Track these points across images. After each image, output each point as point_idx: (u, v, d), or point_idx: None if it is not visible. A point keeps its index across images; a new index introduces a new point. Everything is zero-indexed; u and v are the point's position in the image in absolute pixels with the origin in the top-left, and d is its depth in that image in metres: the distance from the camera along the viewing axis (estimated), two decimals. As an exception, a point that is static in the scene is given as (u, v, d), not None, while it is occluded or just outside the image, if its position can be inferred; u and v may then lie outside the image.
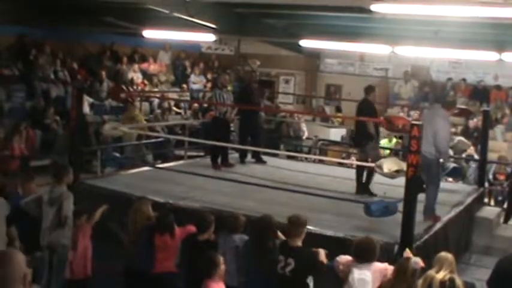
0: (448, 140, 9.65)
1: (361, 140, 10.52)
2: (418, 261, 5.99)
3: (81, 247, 7.68)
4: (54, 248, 7.65)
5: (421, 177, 9.07)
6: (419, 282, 6.05)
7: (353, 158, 16.19)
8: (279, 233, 7.02)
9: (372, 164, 9.26)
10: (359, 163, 10.43)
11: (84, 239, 7.72)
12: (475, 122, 17.48)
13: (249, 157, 12.89)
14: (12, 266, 3.59)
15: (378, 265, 6.34)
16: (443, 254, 6.32)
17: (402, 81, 21.19)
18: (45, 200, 7.78)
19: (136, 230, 7.47)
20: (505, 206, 12.57)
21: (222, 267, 6.21)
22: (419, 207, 8.24)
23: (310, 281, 6.44)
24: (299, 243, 6.57)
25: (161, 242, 7.29)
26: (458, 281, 6.08)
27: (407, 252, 6.35)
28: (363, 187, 10.42)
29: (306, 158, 15.46)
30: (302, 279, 6.41)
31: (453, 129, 17.81)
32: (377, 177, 9.94)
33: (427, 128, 8.30)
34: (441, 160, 9.46)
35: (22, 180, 8.82)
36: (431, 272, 6.10)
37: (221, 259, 6.27)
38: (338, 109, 21.80)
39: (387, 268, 6.28)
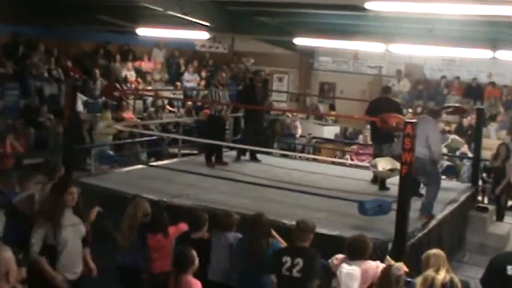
0: (440, 141, 9.71)
1: (383, 139, 10.82)
2: (400, 268, 5.89)
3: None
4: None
5: (416, 180, 9.12)
6: (418, 282, 5.99)
7: (347, 156, 16.28)
8: (273, 232, 7.03)
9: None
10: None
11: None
12: (468, 120, 17.51)
13: (246, 155, 12.89)
14: None
15: (370, 263, 6.34)
16: (436, 251, 6.22)
17: (395, 80, 21.22)
18: (37, 198, 7.74)
19: (132, 226, 7.43)
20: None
21: (196, 262, 6.17)
22: (414, 205, 8.24)
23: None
24: (306, 245, 6.57)
25: (154, 241, 7.26)
26: (457, 280, 6.05)
27: (388, 260, 6.32)
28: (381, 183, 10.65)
29: (300, 156, 15.45)
30: (311, 279, 6.36)
31: (447, 128, 17.89)
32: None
33: (420, 133, 8.31)
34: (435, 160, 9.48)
35: (20, 178, 8.78)
36: (431, 272, 6.00)
37: (195, 255, 6.16)
38: (332, 107, 21.83)
39: (379, 266, 6.28)
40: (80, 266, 6.74)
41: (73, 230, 6.57)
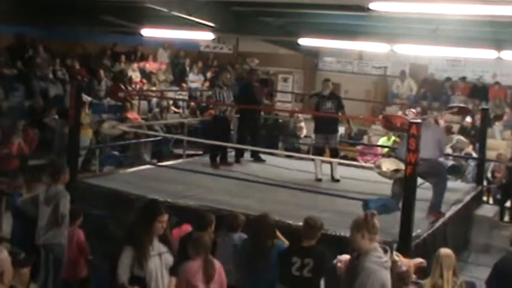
0: (445, 144, 9.74)
1: (327, 129, 12.11)
2: (402, 265, 5.90)
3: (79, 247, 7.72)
4: (50, 247, 7.62)
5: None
6: (427, 286, 5.96)
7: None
8: (278, 233, 7.02)
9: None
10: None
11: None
12: (470, 120, 17.56)
13: (247, 156, 12.86)
14: None
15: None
16: (446, 253, 6.21)
17: (399, 80, 21.20)
18: (41, 199, 7.74)
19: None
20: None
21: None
22: (419, 205, 8.23)
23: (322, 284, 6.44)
24: (313, 243, 6.57)
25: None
26: (464, 286, 6.04)
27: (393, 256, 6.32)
28: None
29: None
30: (320, 279, 6.37)
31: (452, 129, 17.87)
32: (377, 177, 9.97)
33: (427, 136, 8.28)
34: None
35: (27, 180, 8.81)
36: (439, 280, 5.96)
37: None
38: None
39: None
40: None
41: (159, 260, 6.04)
